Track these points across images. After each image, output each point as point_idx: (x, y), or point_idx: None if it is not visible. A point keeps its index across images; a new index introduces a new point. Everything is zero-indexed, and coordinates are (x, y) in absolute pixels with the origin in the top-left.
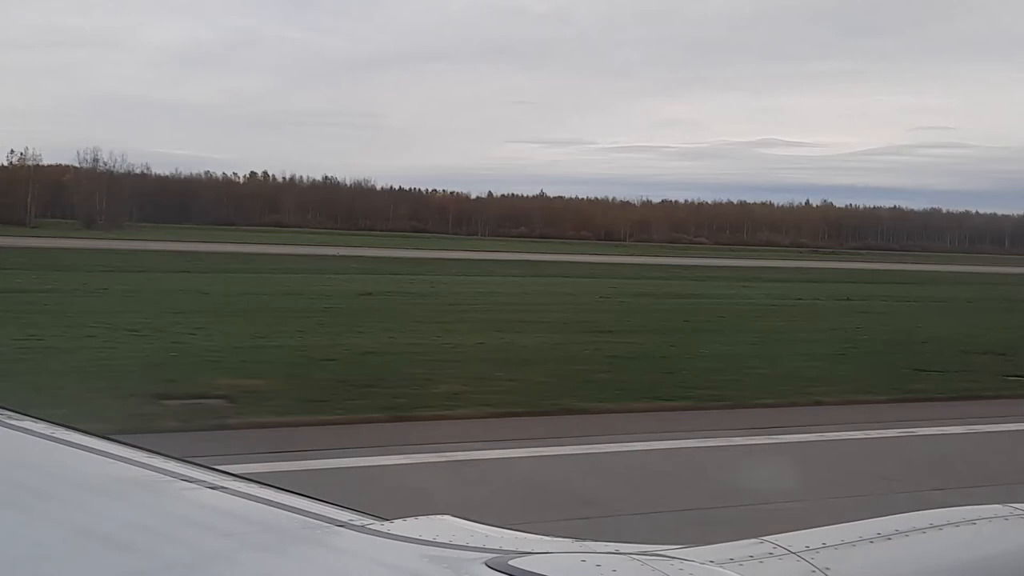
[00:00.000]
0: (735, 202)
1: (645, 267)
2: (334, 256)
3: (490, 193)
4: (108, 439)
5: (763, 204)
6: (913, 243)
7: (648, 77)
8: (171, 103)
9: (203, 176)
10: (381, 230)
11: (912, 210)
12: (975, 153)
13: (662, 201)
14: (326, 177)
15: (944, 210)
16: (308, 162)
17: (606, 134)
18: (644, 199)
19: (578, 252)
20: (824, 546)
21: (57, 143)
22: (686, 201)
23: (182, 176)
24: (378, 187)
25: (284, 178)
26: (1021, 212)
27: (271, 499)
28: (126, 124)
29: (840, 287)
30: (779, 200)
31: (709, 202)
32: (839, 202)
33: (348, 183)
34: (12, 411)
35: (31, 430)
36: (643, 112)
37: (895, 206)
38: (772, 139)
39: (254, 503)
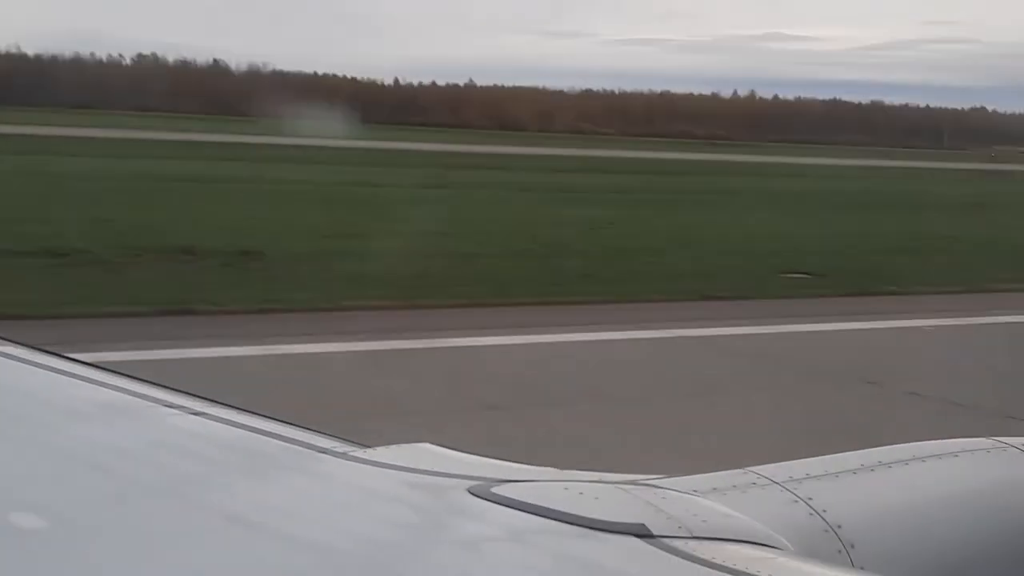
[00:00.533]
0: (658, 92)
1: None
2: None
3: (434, 83)
4: (88, 365)
5: (687, 95)
6: (844, 137)
7: None
8: None
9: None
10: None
11: (853, 103)
12: (983, 49)
13: (585, 91)
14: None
15: (887, 102)
16: (290, 51)
17: (609, 26)
18: (584, 88)
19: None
20: (808, 476)
21: None
22: (615, 91)
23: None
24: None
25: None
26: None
27: (253, 425)
28: None
29: (593, 179)
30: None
31: (643, 91)
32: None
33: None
34: None
35: (9, 354)
36: (644, 4)
37: (835, 98)
38: (777, 32)
39: (236, 429)
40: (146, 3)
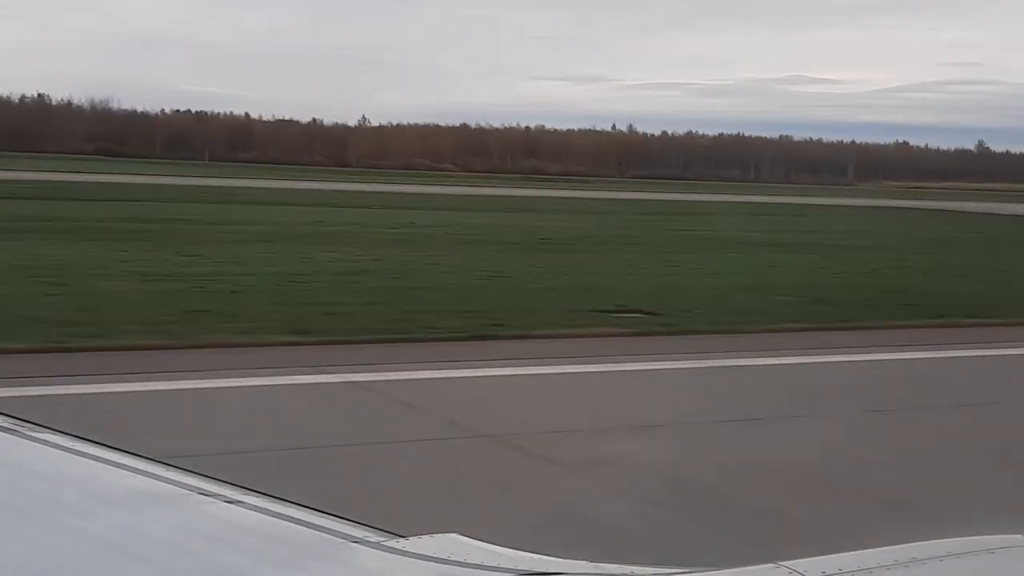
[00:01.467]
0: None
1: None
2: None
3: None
4: (125, 452)
5: (540, 128)
6: (726, 172)
7: (672, 10)
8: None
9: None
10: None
11: (741, 136)
12: (1007, 90)
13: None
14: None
15: (794, 137)
16: (325, 100)
17: (631, 71)
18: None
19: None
20: (841, 572)
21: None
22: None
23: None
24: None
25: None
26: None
27: (287, 514)
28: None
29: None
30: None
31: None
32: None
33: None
34: (30, 423)
35: (49, 442)
36: (668, 48)
37: (721, 134)
38: (799, 76)
39: (270, 518)
40: None
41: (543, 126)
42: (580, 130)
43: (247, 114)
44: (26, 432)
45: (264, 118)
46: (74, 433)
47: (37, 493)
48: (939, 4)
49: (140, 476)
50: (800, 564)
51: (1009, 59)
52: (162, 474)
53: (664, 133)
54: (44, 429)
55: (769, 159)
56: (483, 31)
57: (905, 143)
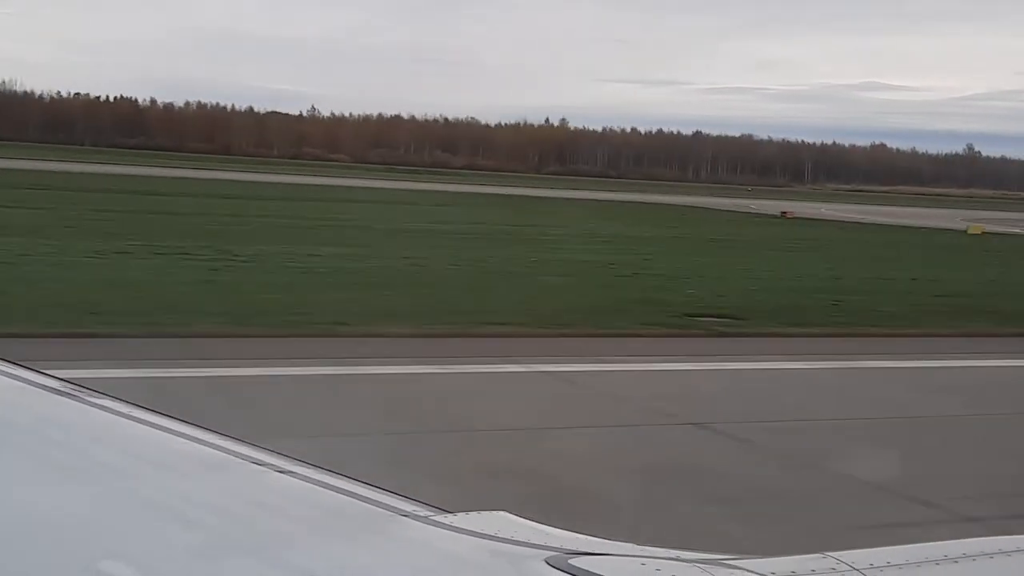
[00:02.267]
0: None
1: None
2: None
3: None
4: (181, 420)
5: (470, 121)
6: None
7: (748, 15)
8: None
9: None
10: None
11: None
12: None
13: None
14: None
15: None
16: (404, 97)
17: (703, 75)
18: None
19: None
20: (889, 565)
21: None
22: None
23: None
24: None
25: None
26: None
27: (336, 485)
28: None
29: None
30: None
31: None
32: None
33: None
34: (91, 389)
35: (109, 407)
36: (742, 52)
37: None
38: (874, 82)
39: (321, 489)
40: None
41: (473, 118)
42: (508, 124)
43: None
44: (85, 397)
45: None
46: (133, 401)
47: (96, 457)
48: (1018, 11)
49: (193, 443)
50: (848, 555)
51: None
52: (216, 442)
53: (605, 129)
54: (104, 396)
55: (712, 158)
56: (554, 32)
57: (882, 145)
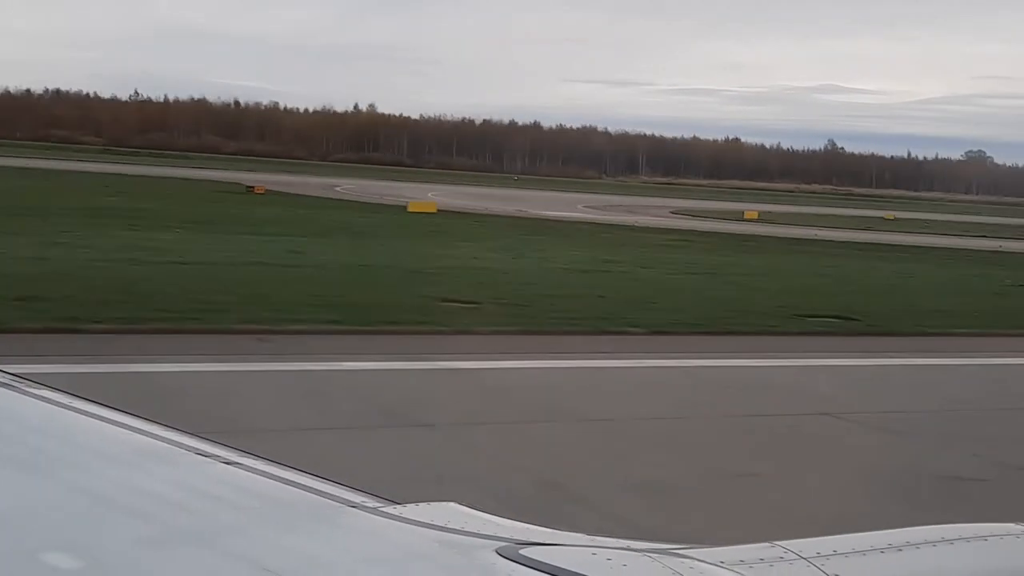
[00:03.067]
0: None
1: None
2: None
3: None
4: (124, 412)
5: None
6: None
7: (706, 16)
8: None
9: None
10: None
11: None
12: None
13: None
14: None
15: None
16: (364, 95)
17: (664, 76)
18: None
19: None
20: (835, 553)
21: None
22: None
23: None
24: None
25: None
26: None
27: (283, 476)
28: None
29: None
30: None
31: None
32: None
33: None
34: (30, 380)
35: (49, 398)
36: (702, 54)
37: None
38: (832, 85)
39: (267, 479)
40: None
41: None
42: (315, 111)
43: None
44: (25, 388)
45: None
46: (72, 392)
47: (38, 447)
48: (977, 16)
49: (137, 434)
50: (795, 544)
51: None
52: (160, 433)
53: (405, 117)
54: (42, 386)
55: (520, 148)
56: (513, 32)
57: (736, 140)
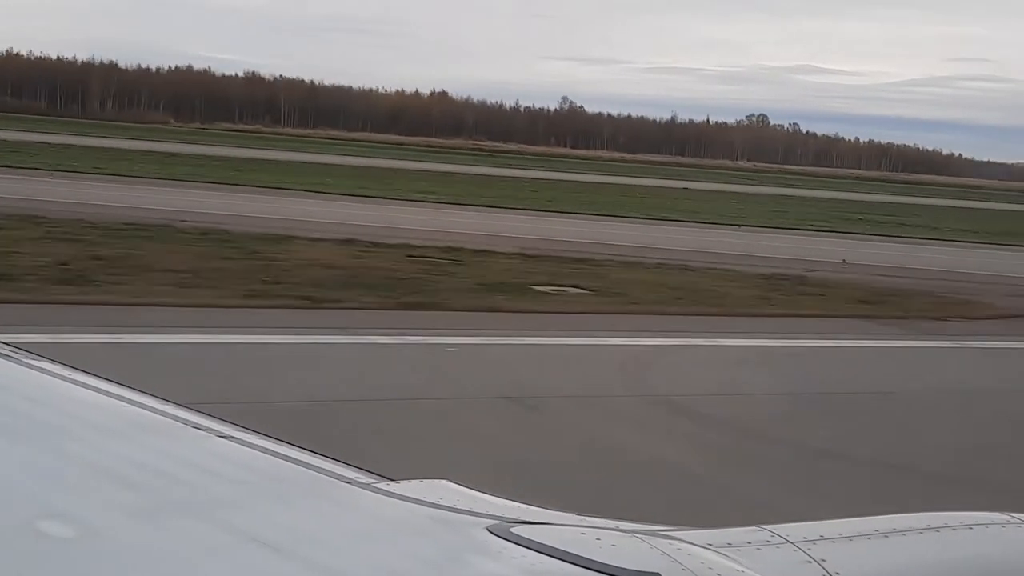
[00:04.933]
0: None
1: None
2: None
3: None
4: (122, 384)
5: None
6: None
7: None
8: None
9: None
10: None
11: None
12: (1018, 88)
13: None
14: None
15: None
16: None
17: (640, 53)
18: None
19: None
20: (822, 538)
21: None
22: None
23: None
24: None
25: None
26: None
27: (279, 451)
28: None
29: None
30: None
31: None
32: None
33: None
34: (29, 352)
35: (47, 370)
36: (681, 32)
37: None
38: (808, 65)
39: (262, 454)
40: None
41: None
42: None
43: None
44: (24, 359)
45: None
46: (72, 364)
47: (38, 418)
48: None
49: (135, 407)
50: (783, 528)
51: (1013, 55)
52: (157, 407)
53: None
54: (41, 358)
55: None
56: (492, 7)
57: (444, 93)
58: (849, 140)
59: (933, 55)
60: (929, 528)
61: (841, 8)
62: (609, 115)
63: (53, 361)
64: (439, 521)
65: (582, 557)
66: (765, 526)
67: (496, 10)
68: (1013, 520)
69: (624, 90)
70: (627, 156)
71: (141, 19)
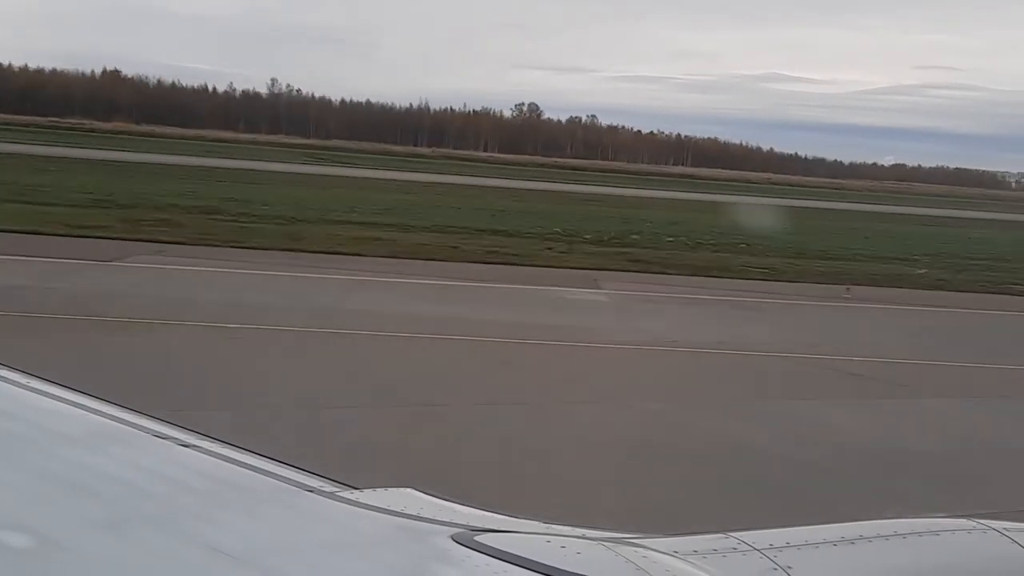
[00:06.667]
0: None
1: None
2: None
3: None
4: (82, 393)
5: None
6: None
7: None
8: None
9: None
10: None
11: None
12: (985, 96)
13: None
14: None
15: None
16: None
17: (611, 63)
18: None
19: None
20: (788, 545)
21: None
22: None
23: None
24: None
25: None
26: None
27: (241, 460)
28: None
29: None
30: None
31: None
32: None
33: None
34: None
35: (8, 379)
36: (653, 41)
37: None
38: (778, 74)
39: (225, 463)
40: None
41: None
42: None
43: None
44: None
45: None
46: (30, 372)
47: None
48: (917, 5)
49: (93, 415)
50: (749, 535)
51: (982, 64)
52: (118, 415)
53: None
54: (1, 366)
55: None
56: (460, 17)
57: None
58: (631, 129)
59: (902, 63)
60: (895, 535)
61: (812, 17)
62: None
63: (12, 369)
64: (403, 530)
65: (547, 565)
66: (732, 533)
67: (464, 19)
68: (979, 527)
69: (593, 99)
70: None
71: (97, 27)
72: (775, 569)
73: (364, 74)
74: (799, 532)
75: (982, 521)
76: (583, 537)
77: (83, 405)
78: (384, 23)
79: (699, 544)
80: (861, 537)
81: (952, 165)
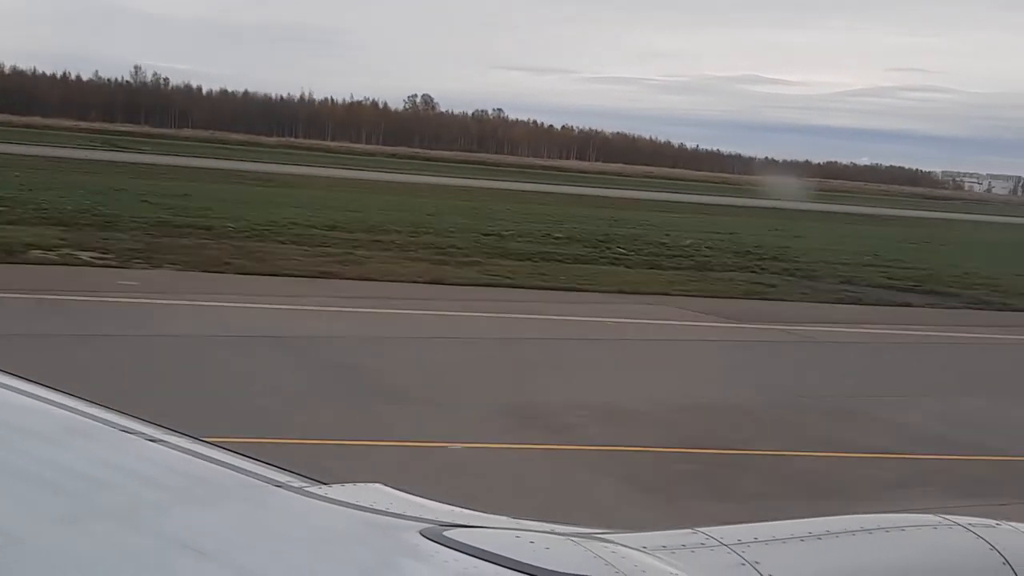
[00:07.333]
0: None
1: None
2: None
3: None
4: (46, 386)
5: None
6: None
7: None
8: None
9: None
10: None
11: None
12: (958, 99)
13: None
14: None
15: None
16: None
17: (588, 64)
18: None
19: None
20: (756, 540)
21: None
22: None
23: None
24: None
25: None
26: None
27: (208, 455)
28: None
29: None
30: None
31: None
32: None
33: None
34: None
35: None
36: (628, 43)
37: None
38: (754, 75)
39: (191, 457)
40: None
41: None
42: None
43: None
44: None
45: None
46: None
47: None
48: (888, 6)
49: (60, 409)
50: (717, 531)
51: (952, 66)
52: (82, 409)
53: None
54: None
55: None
56: (439, 16)
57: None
58: (539, 124)
59: (877, 65)
60: (862, 530)
61: (788, 19)
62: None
63: None
64: (372, 525)
65: (515, 560)
66: (700, 528)
67: (442, 20)
68: (945, 522)
69: (568, 100)
70: None
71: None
72: (743, 564)
73: (327, 73)
74: (767, 527)
75: (948, 517)
76: (552, 532)
77: (49, 399)
78: (351, 22)
79: (668, 539)
80: (828, 532)
81: (886, 164)
